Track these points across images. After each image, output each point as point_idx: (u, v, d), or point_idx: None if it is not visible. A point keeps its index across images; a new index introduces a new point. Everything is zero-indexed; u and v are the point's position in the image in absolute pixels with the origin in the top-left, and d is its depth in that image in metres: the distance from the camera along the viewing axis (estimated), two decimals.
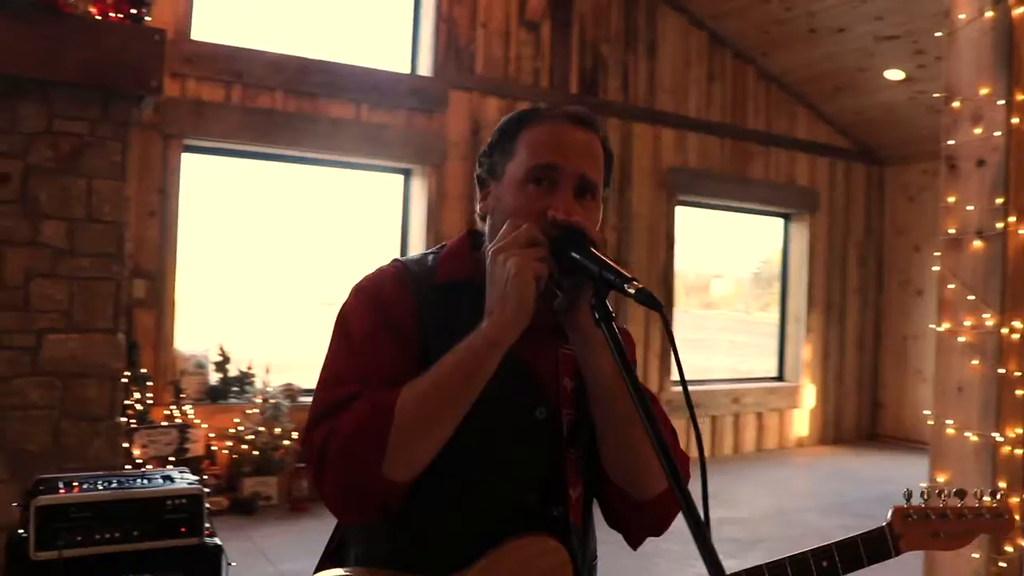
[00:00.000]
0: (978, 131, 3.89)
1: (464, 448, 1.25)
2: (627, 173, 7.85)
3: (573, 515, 1.36)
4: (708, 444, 8.29)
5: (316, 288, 7.43)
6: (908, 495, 1.49)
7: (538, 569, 1.31)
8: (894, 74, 8.07)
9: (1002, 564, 3.70)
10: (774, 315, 9.85)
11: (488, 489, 1.31)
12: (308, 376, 6.60)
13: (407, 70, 6.96)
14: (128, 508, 2.77)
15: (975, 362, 3.79)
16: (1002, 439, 3.72)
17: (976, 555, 3.66)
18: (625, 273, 1.16)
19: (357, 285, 1.39)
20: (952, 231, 3.94)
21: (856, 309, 9.53)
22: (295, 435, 5.89)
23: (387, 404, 1.19)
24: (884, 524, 1.49)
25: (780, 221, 9.34)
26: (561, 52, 7.53)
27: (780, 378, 9.23)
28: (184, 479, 2.97)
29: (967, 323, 3.83)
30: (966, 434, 3.80)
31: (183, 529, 2.82)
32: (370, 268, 1.44)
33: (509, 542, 1.29)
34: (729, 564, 1.12)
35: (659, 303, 1.12)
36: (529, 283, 1.20)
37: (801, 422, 9.04)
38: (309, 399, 5.41)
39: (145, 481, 2.92)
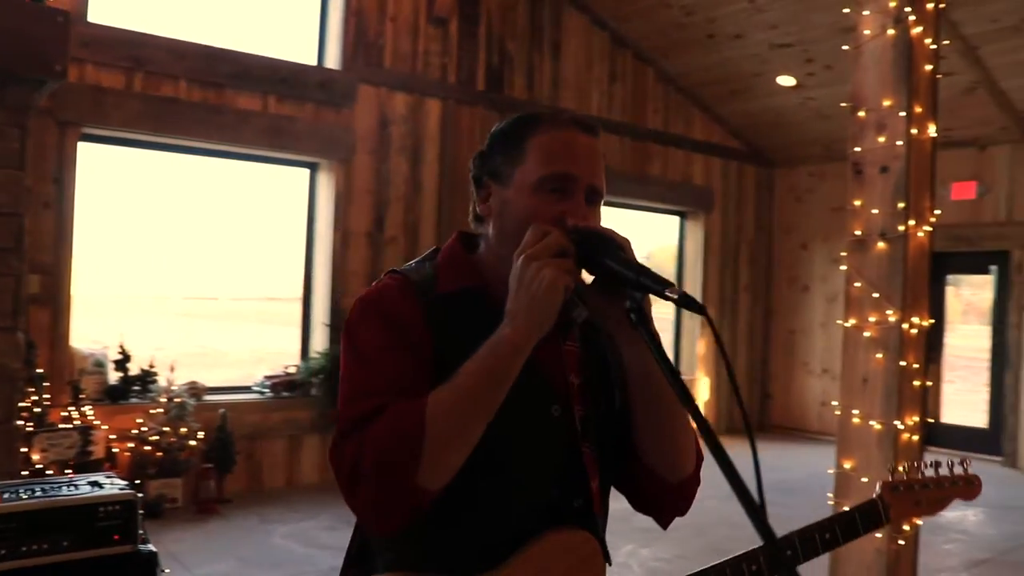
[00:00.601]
0: (882, 139, 4.13)
1: (488, 449, 1.26)
2: None
3: (595, 506, 1.41)
4: None
5: (221, 284, 7.20)
6: (893, 469, 1.60)
7: (572, 559, 1.35)
8: (786, 80, 8.44)
9: (901, 542, 3.96)
10: (665, 310, 10.14)
11: (514, 487, 1.33)
12: (213, 374, 6.42)
13: (315, 62, 6.83)
14: (57, 517, 2.64)
15: (879, 355, 4.03)
16: (902, 427, 3.98)
17: (879, 534, 3.90)
18: (663, 278, 1.20)
19: (362, 299, 1.37)
20: (858, 233, 4.18)
21: (747, 305, 9.93)
22: (201, 435, 5.72)
23: (417, 414, 1.19)
24: (875, 496, 1.60)
25: (676, 219, 9.63)
26: (468, 48, 7.54)
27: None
28: (115, 484, 2.86)
29: (872, 319, 4.07)
30: (871, 423, 4.04)
31: (116, 536, 2.71)
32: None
33: (541, 536, 1.33)
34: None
35: (701, 306, 1.17)
36: (560, 292, 1.23)
37: None
38: (216, 398, 5.29)
39: (73, 488, 2.79)
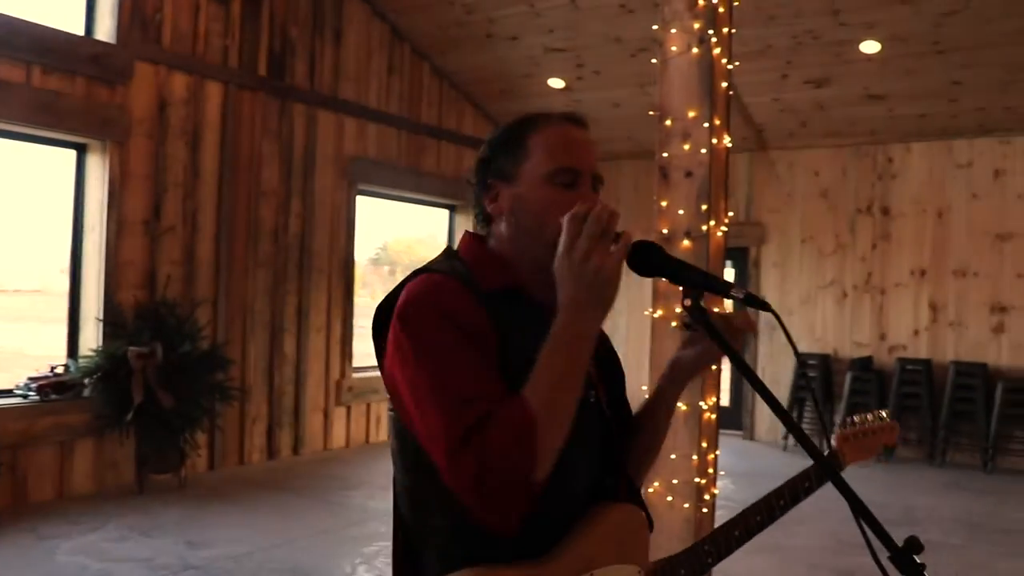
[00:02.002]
0: (687, 147, 4.54)
1: None
2: (312, 160, 7.77)
3: (629, 483, 1.56)
4: (386, 428, 8.52)
5: None
6: (843, 423, 1.87)
7: (626, 531, 1.47)
8: (555, 82, 8.90)
9: (704, 510, 4.42)
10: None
11: (569, 472, 1.39)
12: None
13: (83, 32, 6.24)
14: None
15: None
16: (705, 407, 4.43)
17: (687, 504, 4.32)
18: (723, 279, 1.35)
19: (416, 299, 1.36)
20: (665, 231, 4.57)
21: None
22: None
23: (527, 414, 1.24)
24: (835, 447, 1.86)
25: (446, 213, 9.83)
26: (251, 31, 7.24)
27: None
28: None
29: (678, 310, 4.48)
30: (678, 404, 4.45)
31: None
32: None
33: (594, 514, 1.44)
34: None
35: (767, 304, 1.32)
36: (620, 275, 1.33)
37: None
38: None
39: None
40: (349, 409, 8.14)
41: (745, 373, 1.33)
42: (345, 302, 8.15)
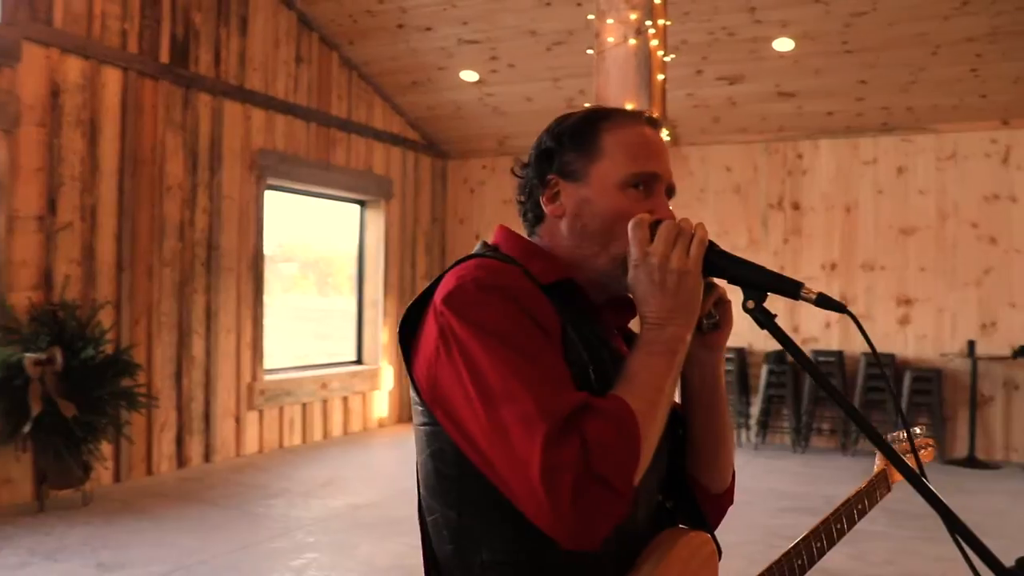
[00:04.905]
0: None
1: None
2: (218, 153, 7.39)
3: (689, 507, 1.41)
4: (300, 432, 8.23)
5: None
6: (893, 439, 1.80)
7: (696, 563, 1.33)
8: (469, 75, 8.74)
9: None
10: (337, 300, 10.07)
11: (636, 493, 1.26)
12: None
13: None
14: None
15: None
16: None
17: None
18: (792, 278, 1.24)
19: (478, 282, 1.18)
20: None
21: None
22: None
23: (628, 411, 1.11)
24: (880, 467, 1.80)
25: (357, 208, 9.56)
26: (151, 16, 6.81)
27: (359, 361, 9.48)
28: None
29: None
30: None
31: None
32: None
33: (666, 541, 1.30)
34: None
35: (842, 305, 1.22)
36: (701, 283, 1.26)
37: (381, 403, 9.40)
38: None
39: None
40: (262, 413, 7.79)
41: (822, 383, 1.22)
42: (255, 302, 7.79)
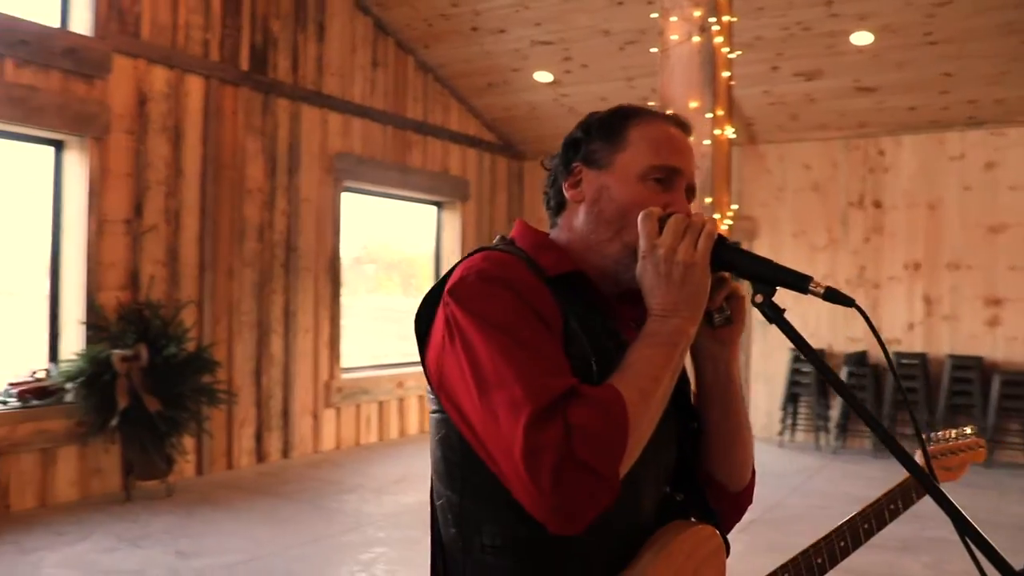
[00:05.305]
0: (690, 139, 4.43)
1: None
2: (296, 157, 7.60)
3: (702, 499, 1.40)
4: (376, 429, 8.38)
5: None
6: (928, 439, 1.73)
7: (701, 557, 1.32)
8: (543, 76, 8.77)
9: None
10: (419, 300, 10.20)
11: (640, 482, 1.27)
12: None
13: (59, 24, 6.03)
14: None
15: None
16: None
17: None
18: (800, 272, 1.23)
19: (478, 272, 1.22)
20: None
21: None
22: None
23: (618, 398, 1.12)
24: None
25: (434, 209, 9.69)
26: (232, 25, 7.05)
27: None
28: None
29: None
30: None
31: None
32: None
33: (669, 533, 1.30)
34: None
35: (850, 299, 1.21)
36: (709, 275, 1.27)
37: None
38: None
39: None
40: (339, 411, 7.97)
41: (834, 383, 1.21)
42: (333, 302, 7.98)
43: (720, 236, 1.29)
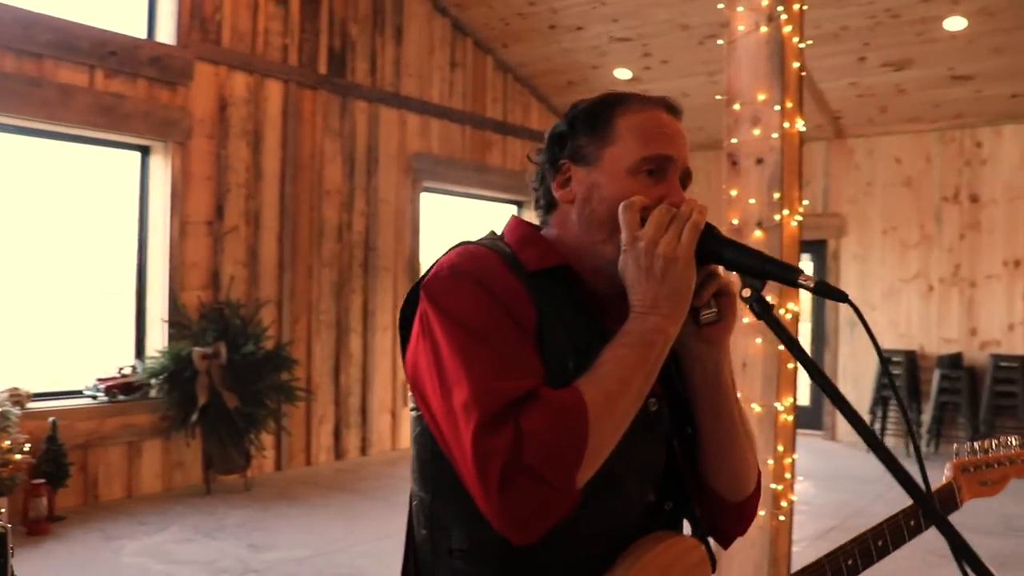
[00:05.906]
0: (757, 132, 4.28)
1: None
2: (375, 158, 7.70)
3: (690, 508, 1.33)
4: None
5: (41, 277, 6.49)
6: (959, 450, 1.60)
7: (679, 571, 1.26)
8: (622, 73, 8.67)
9: (781, 517, 4.15)
10: None
11: (618, 492, 1.22)
12: (36, 378, 5.78)
13: (145, 35, 6.27)
14: None
15: (758, 341, 4.19)
16: (781, 408, 4.17)
17: (762, 512, 4.07)
18: (791, 264, 1.15)
19: (452, 268, 1.19)
20: (735, 222, 4.32)
21: None
22: (27, 447, 5.12)
23: (579, 406, 1.07)
24: (949, 480, 1.58)
25: (514, 208, 9.68)
26: (310, 30, 7.20)
27: None
28: None
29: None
30: (752, 405, 4.20)
31: None
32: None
33: (647, 544, 1.23)
34: None
35: (843, 293, 1.13)
36: (694, 271, 1.19)
37: None
38: (42, 404, 4.73)
39: None
40: None
41: (820, 382, 1.13)
42: None
43: (708, 226, 1.22)
